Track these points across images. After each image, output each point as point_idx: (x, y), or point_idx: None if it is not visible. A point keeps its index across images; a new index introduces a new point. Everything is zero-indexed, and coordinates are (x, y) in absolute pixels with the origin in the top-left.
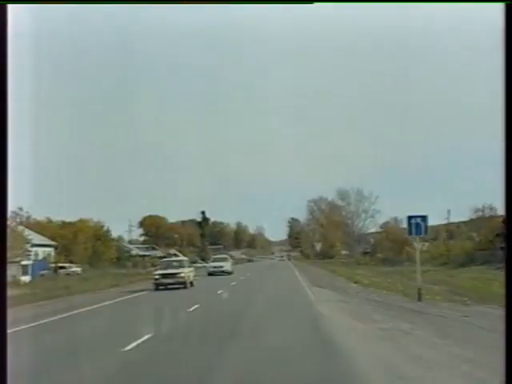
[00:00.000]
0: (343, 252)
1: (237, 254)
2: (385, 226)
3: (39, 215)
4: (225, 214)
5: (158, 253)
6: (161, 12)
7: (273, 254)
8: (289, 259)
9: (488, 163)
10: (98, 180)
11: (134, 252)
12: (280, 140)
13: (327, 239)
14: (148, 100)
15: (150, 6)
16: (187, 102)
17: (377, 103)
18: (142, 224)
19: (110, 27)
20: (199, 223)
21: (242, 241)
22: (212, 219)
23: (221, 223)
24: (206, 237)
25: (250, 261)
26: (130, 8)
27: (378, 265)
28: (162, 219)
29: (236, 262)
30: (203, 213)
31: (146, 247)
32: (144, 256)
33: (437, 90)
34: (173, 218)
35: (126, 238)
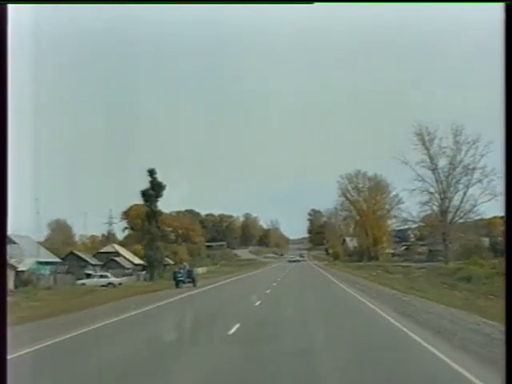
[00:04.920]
0: (388, 251)
1: (243, 252)
2: (426, 218)
3: None
4: (233, 207)
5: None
6: (161, 12)
7: (281, 255)
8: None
9: None
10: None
11: None
12: (295, 116)
13: (368, 232)
14: (149, 96)
15: (152, 6)
16: (190, 100)
17: (376, 103)
18: (126, 215)
19: (111, 27)
20: (143, 193)
21: (252, 237)
22: (218, 212)
23: (229, 216)
24: (154, 219)
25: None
26: (131, 8)
27: None
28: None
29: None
30: (151, 173)
31: None
32: None
33: (431, 94)
34: (167, 208)
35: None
